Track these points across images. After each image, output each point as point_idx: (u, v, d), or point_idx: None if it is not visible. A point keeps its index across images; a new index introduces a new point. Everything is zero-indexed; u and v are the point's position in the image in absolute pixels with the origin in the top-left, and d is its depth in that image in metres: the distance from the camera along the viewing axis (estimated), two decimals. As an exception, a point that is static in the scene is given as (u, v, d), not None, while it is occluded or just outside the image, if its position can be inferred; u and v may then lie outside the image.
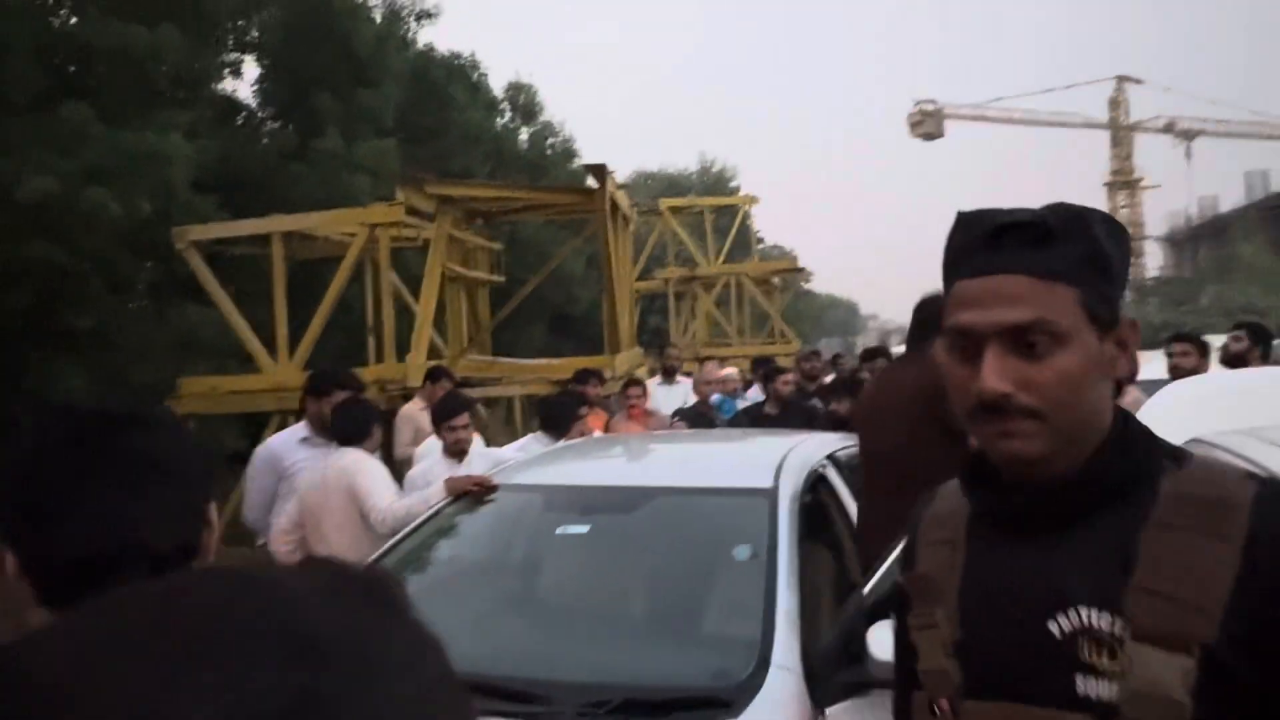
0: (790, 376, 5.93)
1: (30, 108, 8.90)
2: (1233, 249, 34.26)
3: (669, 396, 7.25)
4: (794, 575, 2.44)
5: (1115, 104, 64.02)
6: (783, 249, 37.89)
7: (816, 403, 6.23)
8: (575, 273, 18.58)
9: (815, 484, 3.01)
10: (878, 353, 7.11)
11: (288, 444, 4.07)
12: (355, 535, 3.53)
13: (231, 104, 13.98)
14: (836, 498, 3.10)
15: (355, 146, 12.70)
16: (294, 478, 3.87)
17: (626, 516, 2.86)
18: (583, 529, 2.81)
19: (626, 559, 2.77)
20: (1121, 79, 63.85)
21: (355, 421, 3.76)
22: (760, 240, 27.09)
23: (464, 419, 4.06)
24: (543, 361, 9.93)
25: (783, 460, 2.98)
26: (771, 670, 2.13)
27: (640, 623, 2.52)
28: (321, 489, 3.62)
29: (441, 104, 16.48)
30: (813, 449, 3.25)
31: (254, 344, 8.46)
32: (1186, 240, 57.61)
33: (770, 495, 2.76)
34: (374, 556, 2.97)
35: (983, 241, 0.95)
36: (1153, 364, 6.79)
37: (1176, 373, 5.06)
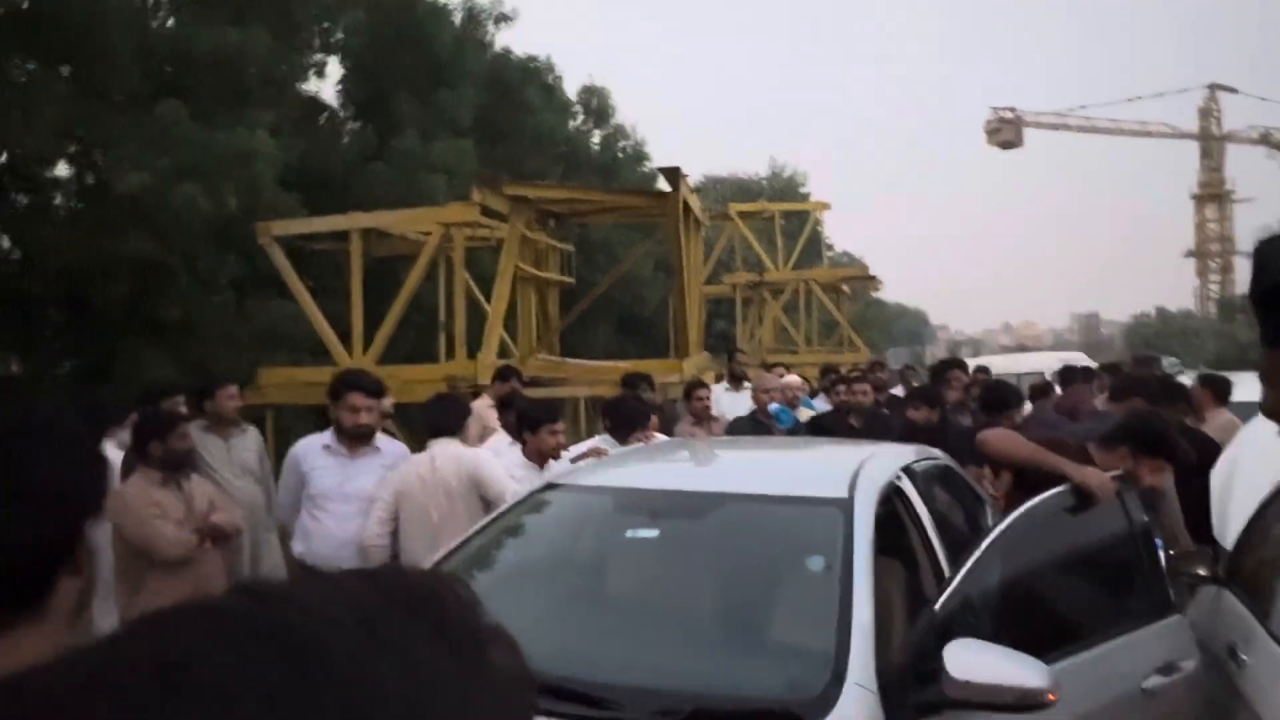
0: (865, 386, 5.80)
1: (129, 106, 9.31)
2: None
3: (735, 403, 7.17)
4: (870, 589, 2.38)
5: (1206, 114, 61.56)
6: (852, 256, 37.36)
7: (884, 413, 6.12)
8: (643, 274, 18.62)
9: (890, 496, 2.94)
10: (950, 365, 6.94)
11: (311, 448, 4.04)
12: (467, 525, 3.61)
13: (315, 104, 14.38)
14: (911, 510, 3.02)
15: (432, 147, 12.94)
16: (310, 482, 3.92)
17: (696, 522, 2.83)
18: (652, 533, 2.79)
19: (696, 565, 2.74)
20: (1214, 87, 61.35)
21: (448, 414, 3.99)
22: (829, 247, 26.73)
23: (561, 425, 4.18)
24: (610, 364, 9.95)
25: (858, 471, 2.91)
26: (847, 686, 2.08)
27: (710, 630, 2.48)
28: (430, 482, 3.71)
29: (516, 106, 16.68)
30: (888, 460, 3.18)
31: (330, 337, 8.68)
32: None
33: (845, 506, 2.70)
34: (441, 555, 3.00)
35: None
36: (1245, 385, 6.49)
37: None
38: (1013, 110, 62.78)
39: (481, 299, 9.83)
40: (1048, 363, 12.13)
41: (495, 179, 8.49)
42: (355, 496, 3.84)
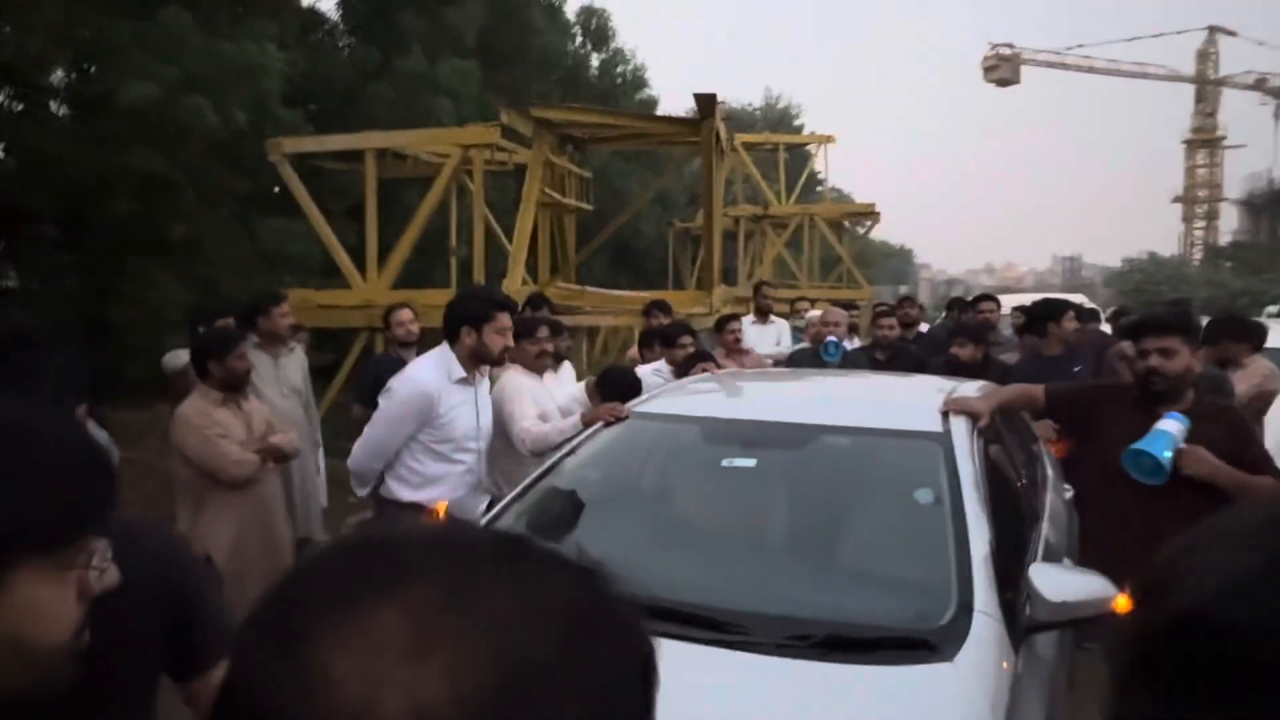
0: (892, 321, 5.79)
1: (130, 12, 8.90)
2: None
3: (762, 336, 7.15)
4: (982, 520, 2.39)
5: (1204, 56, 60.97)
6: (841, 192, 36.99)
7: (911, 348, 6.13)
8: (641, 206, 18.39)
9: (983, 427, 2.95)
10: (982, 299, 7.12)
11: (443, 385, 3.43)
12: (514, 461, 3.56)
13: (314, 16, 13.86)
14: (1000, 441, 3.03)
15: (438, 67, 12.54)
16: (447, 425, 3.42)
17: (792, 453, 2.81)
18: (749, 463, 2.78)
19: (796, 496, 2.74)
20: (1213, 30, 60.63)
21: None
22: (821, 182, 26.47)
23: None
24: (631, 293, 9.86)
25: (947, 405, 2.92)
26: (976, 616, 2.09)
27: (826, 561, 2.49)
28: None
29: (520, 27, 16.17)
30: (970, 393, 3.18)
31: (344, 260, 8.52)
32: (1265, 205, 55.22)
33: (943, 440, 2.70)
34: (531, 479, 2.97)
35: None
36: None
37: None
38: (1011, 47, 61.87)
39: (495, 225, 9.65)
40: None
41: (523, 101, 8.23)
42: (486, 434, 3.49)
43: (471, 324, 3.38)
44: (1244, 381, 5.11)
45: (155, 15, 8.64)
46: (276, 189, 10.45)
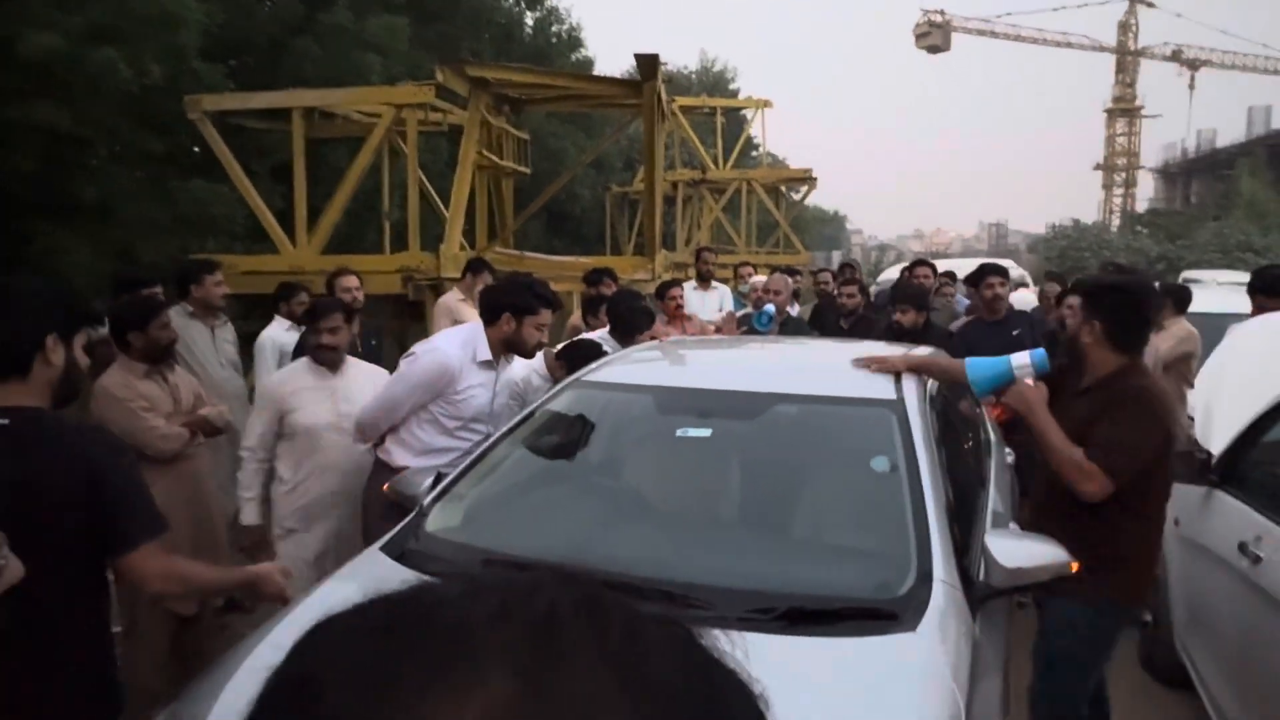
0: (853, 289, 5.80)
1: (29, -44, 8.29)
2: (1234, 185, 34.16)
3: (705, 302, 7.11)
4: (938, 488, 2.39)
5: (1125, 28, 62.59)
6: (775, 157, 37.12)
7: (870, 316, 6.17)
8: (578, 171, 18.14)
9: (932, 395, 2.95)
10: (917, 264, 7.18)
11: (466, 364, 3.40)
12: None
13: (233, -34, 13.14)
14: (952, 407, 3.04)
15: (365, 23, 12.06)
16: (462, 404, 3.39)
17: (747, 423, 2.77)
18: (705, 433, 2.73)
19: (753, 466, 2.70)
20: (1134, 1, 62.24)
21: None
22: (756, 147, 26.46)
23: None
24: (571, 259, 9.70)
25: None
26: (935, 584, 2.09)
27: (784, 532, 2.46)
28: None
29: (451, -19, 15.65)
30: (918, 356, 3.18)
31: (271, 224, 8.17)
32: (1180, 173, 57.31)
33: (896, 407, 2.69)
34: (479, 451, 2.88)
35: None
36: (1209, 295, 6.70)
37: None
38: (943, 14, 62.56)
39: (429, 187, 9.37)
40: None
41: (461, 59, 7.95)
42: (497, 419, 3.42)
43: (515, 313, 3.37)
44: (1164, 342, 5.28)
45: (57, -40, 8.07)
46: (196, 149, 9.96)
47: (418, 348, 3.49)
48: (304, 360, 3.72)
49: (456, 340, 3.43)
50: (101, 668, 2.04)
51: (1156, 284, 5.50)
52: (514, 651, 0.35)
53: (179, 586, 2.11)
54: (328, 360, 3.63)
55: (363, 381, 3.64)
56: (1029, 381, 2.80)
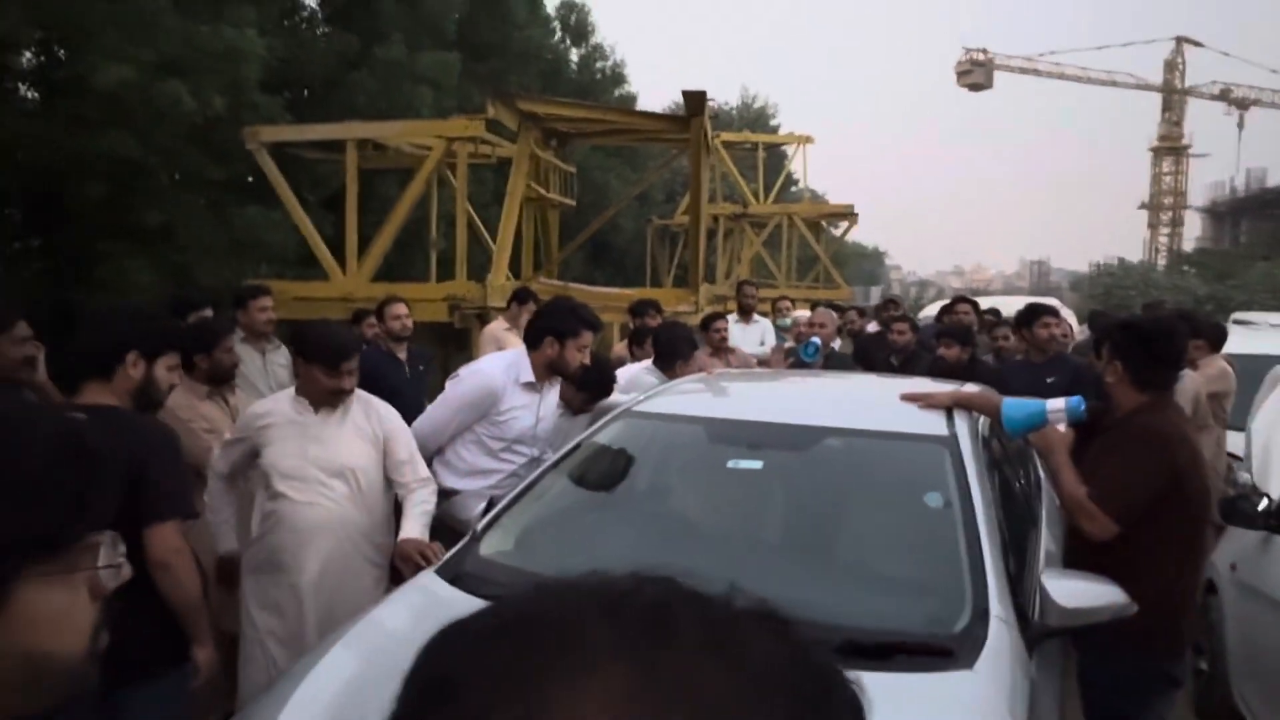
0: (904, 326, 5.77)
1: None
2: (1284, 225, 33.45)
3: (746, 335, 7.13)
4: (994, 525, 2.37)
5: (1171, 66, 62.01)
6: (814, 192, 37.19)
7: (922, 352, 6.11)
8: (625, 203, 18.36)
9: (984, 432, 2.94)
10: (958, 301, 7.11)
11: (510, 384, 3.38)
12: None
13: (292, 2, 13.63)
14: (1004, 445, 3.03)
15: (418, 57, 12.40)
16: (507, 426, 3.40)
17: (798, 455, 2.78)
18: (756, 464, 2.74)
19: (804, 498, 2.70)
20: (1181, 40, 61.70)
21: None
22: (795, 181, 26.54)
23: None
24: (616, 290, 9.79)
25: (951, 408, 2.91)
26: (992, 621, 2.08)
27: (837, 564, 2.46)
28: None
29: (500, 19, 16.04)
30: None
31: (323, 251, 8.37)
32: (1228, 212, 56.31)
33: (950, 443, 2.68)
34: (530, 479, 2.92)
35: None
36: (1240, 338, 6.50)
37: None
38: (985, 52, 62.52)
39: (475, 218, 9.54)
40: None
41: (511, 93, 8.14)
42: (542, 441, 3.43)
43: (557, 336, 3.39)
44: (1198, 380, 5.15)
45: (130, -3, 8.44)
46: (251, 177, 10.26)
47: (462, 370, 3.55)
48: (290, 391, 3.08)
49: (501, 363, 3.49)
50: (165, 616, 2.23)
51: (1188, 322, 5.40)
52: (626, 640, 0.39)
53: (177, 575, 2.20)
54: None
55: (362, 424, 2.98)
56: (1060, 428, 2.78)
